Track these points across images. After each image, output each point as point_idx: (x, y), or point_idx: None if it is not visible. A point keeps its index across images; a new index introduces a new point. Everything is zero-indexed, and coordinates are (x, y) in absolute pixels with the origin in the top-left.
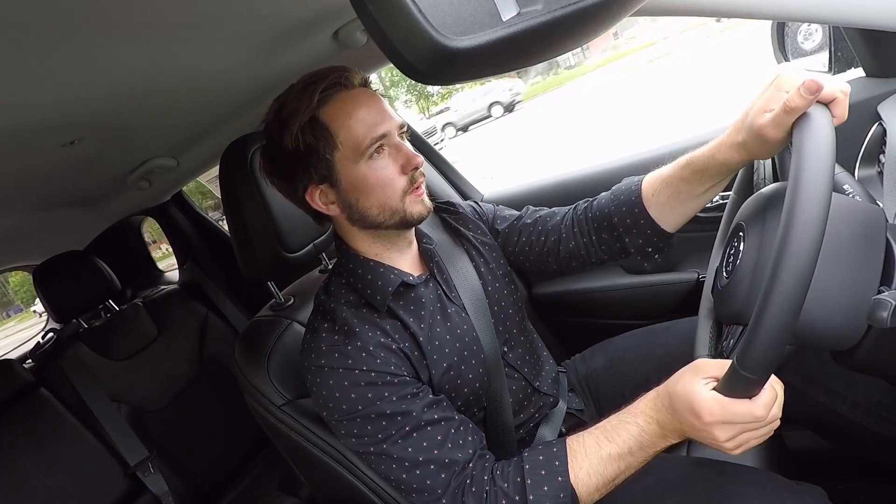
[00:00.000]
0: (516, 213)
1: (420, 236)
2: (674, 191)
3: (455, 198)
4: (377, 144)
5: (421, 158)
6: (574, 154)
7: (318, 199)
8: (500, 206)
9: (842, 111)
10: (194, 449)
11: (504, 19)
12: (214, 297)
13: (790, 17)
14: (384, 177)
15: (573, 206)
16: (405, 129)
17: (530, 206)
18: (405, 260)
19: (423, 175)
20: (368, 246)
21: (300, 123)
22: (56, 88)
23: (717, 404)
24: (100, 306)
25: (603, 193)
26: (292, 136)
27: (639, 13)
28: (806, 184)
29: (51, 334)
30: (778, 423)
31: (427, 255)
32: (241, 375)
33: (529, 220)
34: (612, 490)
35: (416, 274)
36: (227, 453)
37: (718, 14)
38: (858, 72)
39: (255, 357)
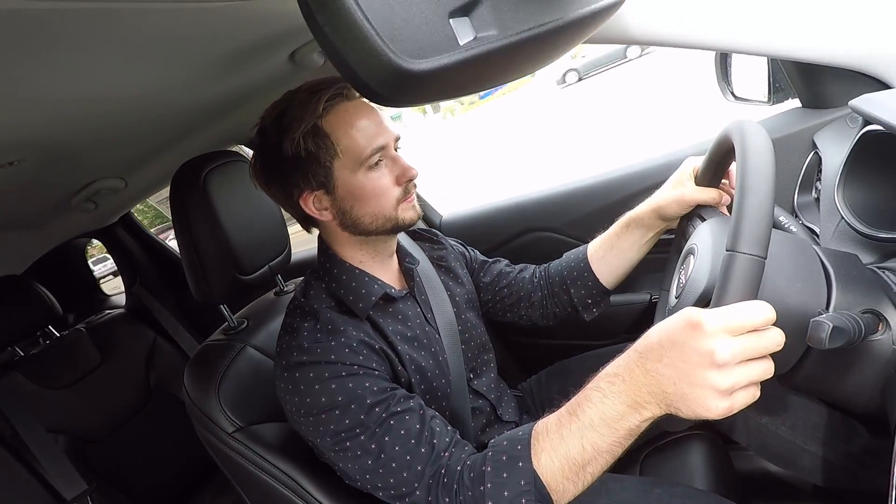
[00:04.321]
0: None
1: (403, 255)
2: (609, 245)
3: None
4: (377, 156)
5: (416, 171)
6: None
7: (312, 204)
8: (477, 251)
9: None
10: (139, 479)
11: (461, 44)
12: (163, 321)
13: (732, 50)
14: (380, 187)
15: (545, 265)
16: (399, 140)
17: (501, 259)
18: (386, 272)
19: (416, 186)
20: (355, 253)
21: (303, 130)
22: None
23: (716, 310)
24: (38, 333)
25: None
26: (293, 142)
27: (590, 41)
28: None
29: None
30: (779, 345)
31: (408, 274)
32: (191, 402)
33: (507, 270)
34: None
35: (397, 288)
36: (174, 483)
37: (662, 44)
38: (795, 102)
39: (205, 383)
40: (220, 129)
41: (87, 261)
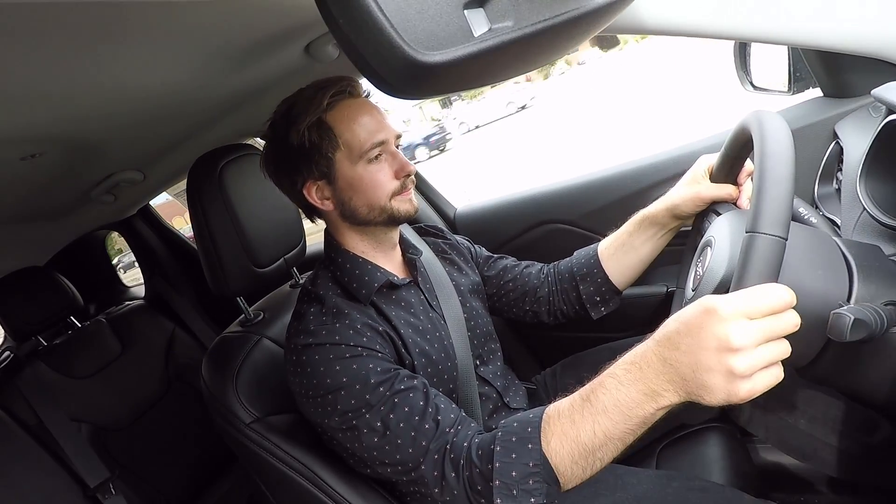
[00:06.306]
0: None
1: (406, 246)
2: (620, 243)
3: (427, 210)
4: (377, 150)
5: (414, 167)
6: None
7: (315, 194)
8: (482, 248)
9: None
10: (159, 468)
11: (475, 35)
12: (182, 312)
13: (751, 39)
14: (378, 179)
15: (554, 263)
16: (400, 138)
17: (507, 255)
18: (390, 262)
19: (414, 181)
20: (357, 243)
21: (308, 122)
22: (14, 102)
23: (734, 294)
24: (60, 323)
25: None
26: (299, 133)
27: (607, 31)
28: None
29: (7, 353)
30: (796, 326)
31: (411, 264)
32: (208, 392)
33: (512, 264)
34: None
35: (400, 276)
36: (193, 472)
37: (679, 34)
38: (816, 92)
39: (223, 374)
40: (236, 122)
41: (107, 252)
